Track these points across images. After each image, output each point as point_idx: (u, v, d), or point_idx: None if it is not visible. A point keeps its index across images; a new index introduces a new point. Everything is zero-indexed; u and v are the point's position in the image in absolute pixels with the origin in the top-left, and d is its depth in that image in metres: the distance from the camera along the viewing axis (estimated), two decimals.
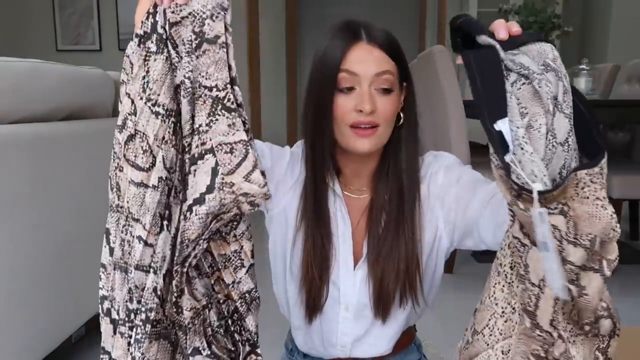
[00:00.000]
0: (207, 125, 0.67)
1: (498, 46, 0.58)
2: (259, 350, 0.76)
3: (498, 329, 0.67)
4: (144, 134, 0.67)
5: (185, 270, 0.69)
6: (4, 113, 1.12)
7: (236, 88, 0.70)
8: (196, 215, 0.67)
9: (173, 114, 0.67)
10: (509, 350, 0.67)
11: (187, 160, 0.69)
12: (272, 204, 0.89)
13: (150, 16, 0.66)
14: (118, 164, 0.71)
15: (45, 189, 1.20)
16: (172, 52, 0.66)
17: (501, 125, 0.55)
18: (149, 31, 0.66)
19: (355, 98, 0.80)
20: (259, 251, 0.80)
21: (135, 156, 0.68)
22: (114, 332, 0.71)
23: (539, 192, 0.52)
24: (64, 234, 1.28)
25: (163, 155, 0.66)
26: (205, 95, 0.67)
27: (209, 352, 0.71)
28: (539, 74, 0.57)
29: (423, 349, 1.05)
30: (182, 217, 0.68)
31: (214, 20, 0.65)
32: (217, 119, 0.67)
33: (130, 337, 0.68)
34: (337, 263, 0.88)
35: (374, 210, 0.87)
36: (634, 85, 2.82)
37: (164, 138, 0.66)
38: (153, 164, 0.67)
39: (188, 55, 0.66)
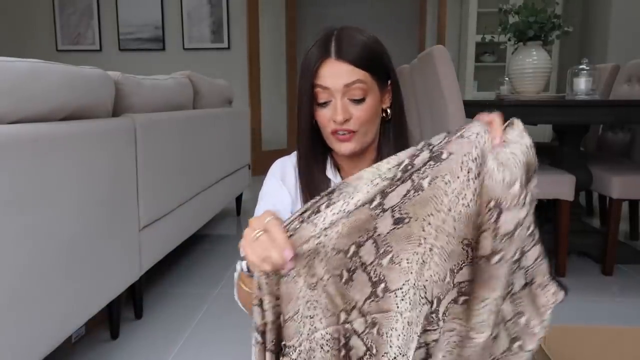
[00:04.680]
0: None
1: None
2: None
3: (409, 298, 0.74)
4: None
5: None
6: (4, 113, 1.12)
7: None
8: None
9: None
10: (411, 322, 0.75)
11: None
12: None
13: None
14: None
15: (45, 189, 1.20)
16: None
17: None
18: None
19: (331, 109, 0.88)
20: None
21: None
22: None
23: None
24: (64, 234, 1.28)
25: None
26: None
27: None
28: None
29: None
30: None
31: None
32: None
33: None
34: None
35: None
36: (634, 85, 2.82)
37: None
38: None
39: None
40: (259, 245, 0.66)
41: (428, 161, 0.71)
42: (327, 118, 0.89)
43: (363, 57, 0.86)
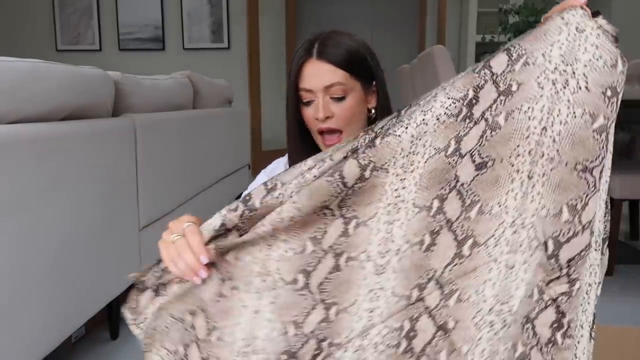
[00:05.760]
0: None
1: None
2: None
3: (505, 239, 0.63)
4: None
5: None
6: (4, 113, 1.11)
7: None
8: None
9: None
10: (514, 266, 0.63)
11: None
12: None
13: None
14: None
15: (45, 189, 1.20)
16: None
17: None
18: None
19: (314, 108, 0.92)
20: None
21: None
22: None
23: None
24: (64, 234, 1.28)
25: None
26: None
27: None
28: None
29: None
30: None
31: None
32: None
33: None
34: None
35: None
36: (634, 85, 2.82)
37: None
38: None
39: None
40: (174, 249, 0.68)
41: (498, 97, 0.64)
42: (311, 116, 0.93)
43: (343, 58, 0.90)
